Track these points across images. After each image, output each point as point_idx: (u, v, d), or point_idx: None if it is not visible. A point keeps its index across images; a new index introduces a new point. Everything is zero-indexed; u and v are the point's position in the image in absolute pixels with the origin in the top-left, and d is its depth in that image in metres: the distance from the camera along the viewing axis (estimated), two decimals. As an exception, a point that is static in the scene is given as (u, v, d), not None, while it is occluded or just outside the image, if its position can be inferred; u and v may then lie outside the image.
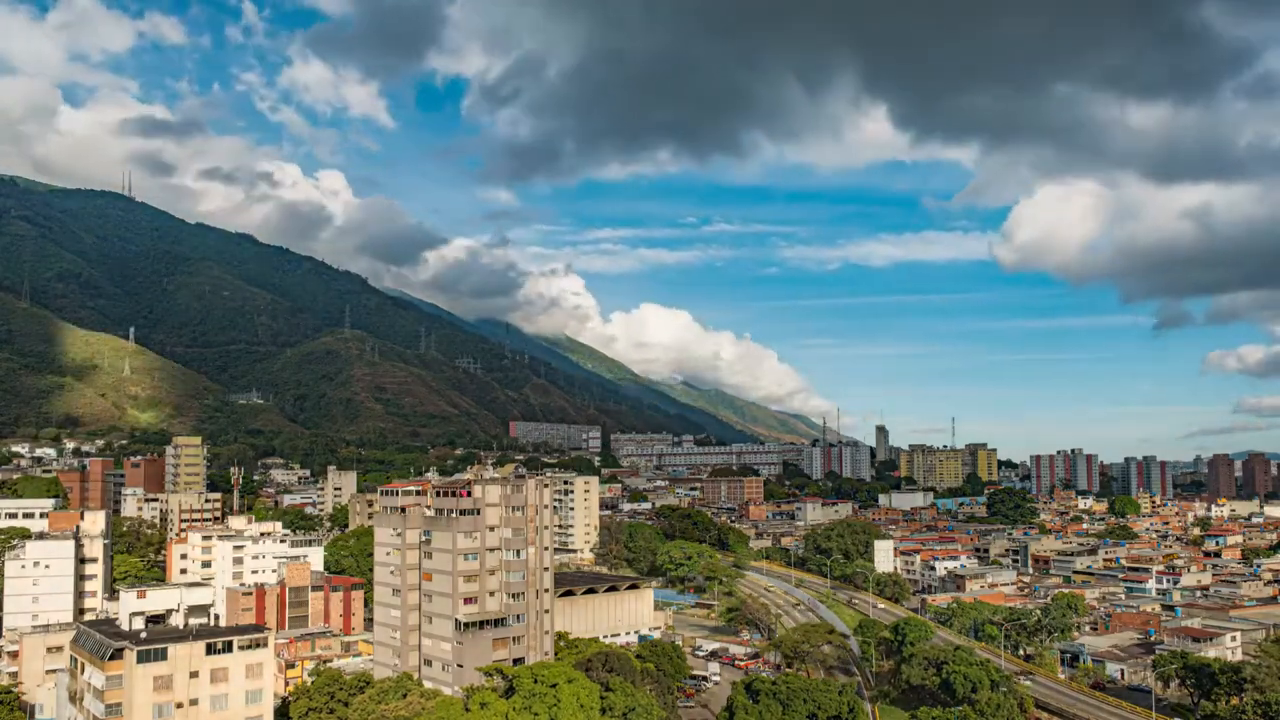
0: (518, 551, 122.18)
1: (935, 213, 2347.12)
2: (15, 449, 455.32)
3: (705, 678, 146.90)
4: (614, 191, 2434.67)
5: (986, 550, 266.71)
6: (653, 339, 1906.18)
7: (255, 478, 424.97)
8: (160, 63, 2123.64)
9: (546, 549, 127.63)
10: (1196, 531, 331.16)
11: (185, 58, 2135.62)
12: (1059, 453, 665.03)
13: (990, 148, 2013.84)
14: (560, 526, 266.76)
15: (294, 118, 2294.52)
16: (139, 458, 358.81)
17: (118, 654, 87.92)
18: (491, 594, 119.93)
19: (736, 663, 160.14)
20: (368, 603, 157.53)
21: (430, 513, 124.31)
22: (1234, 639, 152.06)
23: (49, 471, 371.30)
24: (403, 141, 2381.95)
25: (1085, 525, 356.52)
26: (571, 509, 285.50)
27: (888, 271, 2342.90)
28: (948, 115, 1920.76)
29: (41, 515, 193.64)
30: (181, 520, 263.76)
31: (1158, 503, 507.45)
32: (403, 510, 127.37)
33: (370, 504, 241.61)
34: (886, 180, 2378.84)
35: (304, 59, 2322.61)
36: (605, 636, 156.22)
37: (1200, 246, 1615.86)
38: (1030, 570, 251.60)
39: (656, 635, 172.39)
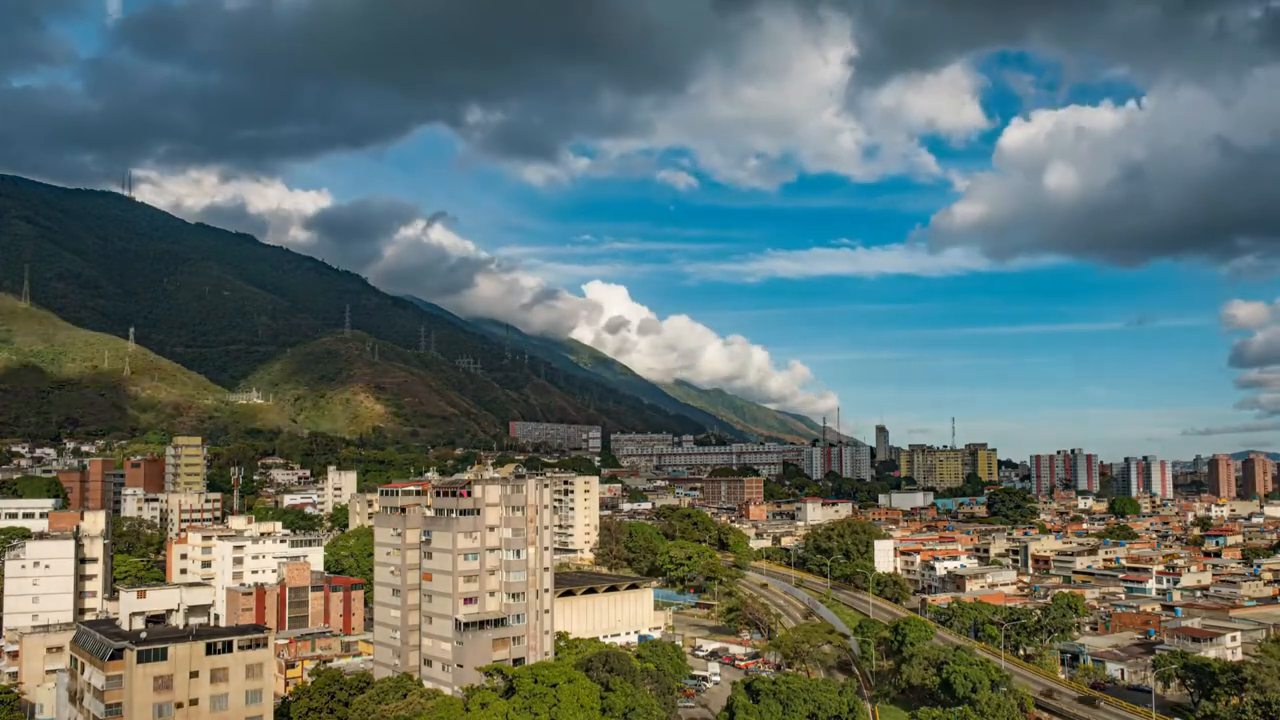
0: (518, 551, 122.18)
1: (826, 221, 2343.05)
2: (15, 449, 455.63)
3: (705, 678, 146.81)
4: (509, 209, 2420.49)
5: (986, 550, 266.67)
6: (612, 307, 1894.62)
7: (255, 478, 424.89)
8: None
9: (546, 549, 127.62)
10: (1196, 531, 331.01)
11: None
12: (1059, 453, 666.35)
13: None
14: (560, 526, 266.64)
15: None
16: (139, 458, 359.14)
17: (118, 654, 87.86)
18: (491, 594, 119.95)
19: (736, 663, 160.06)
20: (368, 603, 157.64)
21: (430, 513, 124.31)
22: (1234, 639, 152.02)
23: (49, 471, 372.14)
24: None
25: (1085, 525, 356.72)
26: (571, 509, 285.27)
27: (813, 282, 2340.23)
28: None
29: (41, 515, 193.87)
30: (181, 520, 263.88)
31: (1158, 503, 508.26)
32: (403, 510, 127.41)
33: (370, 504, 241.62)
34: (788, 198, 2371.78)
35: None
36: (605, 636, 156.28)
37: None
38: (1030, 570, 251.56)
39: (656, 635, 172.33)
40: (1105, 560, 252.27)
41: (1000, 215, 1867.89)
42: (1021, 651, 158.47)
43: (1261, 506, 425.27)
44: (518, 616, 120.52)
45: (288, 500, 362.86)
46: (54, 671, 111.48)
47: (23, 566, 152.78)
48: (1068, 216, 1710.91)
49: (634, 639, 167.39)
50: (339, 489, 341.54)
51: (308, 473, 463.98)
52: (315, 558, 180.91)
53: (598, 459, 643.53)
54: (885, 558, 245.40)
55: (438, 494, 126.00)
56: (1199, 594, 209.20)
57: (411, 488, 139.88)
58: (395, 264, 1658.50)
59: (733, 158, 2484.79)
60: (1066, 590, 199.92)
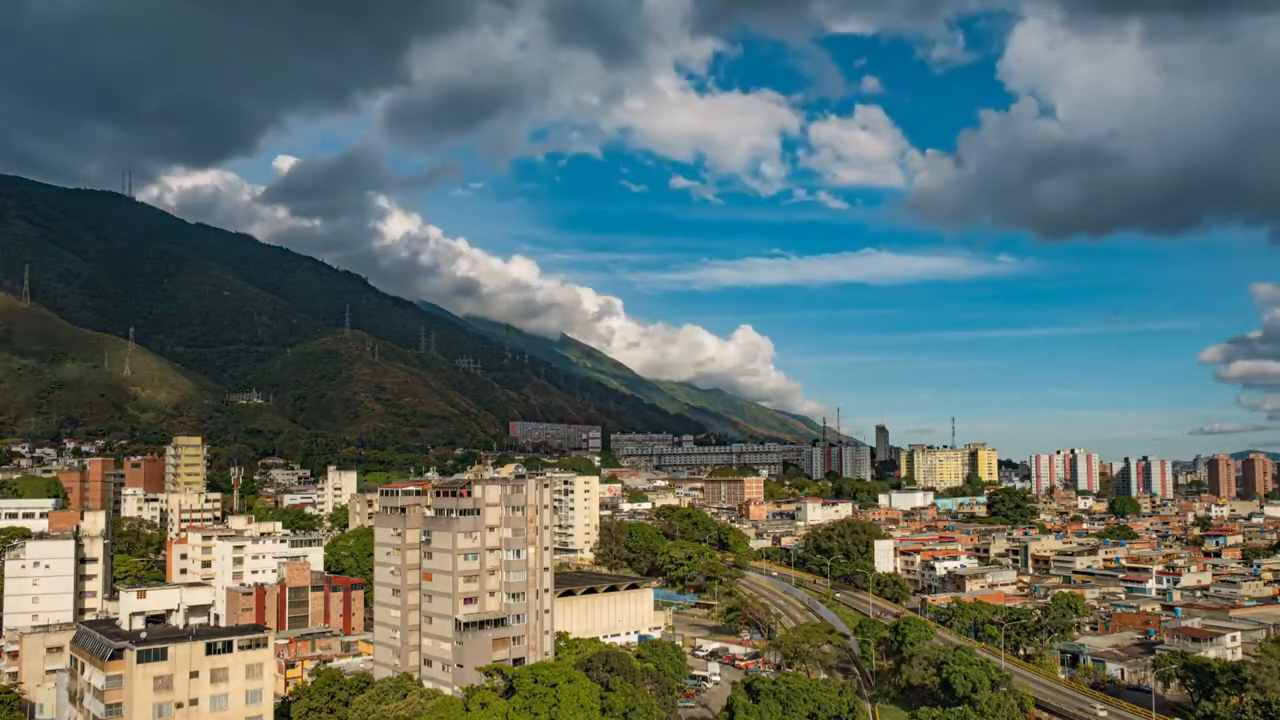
0: (518, 551, 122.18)
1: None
2: (15, 449, 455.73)
3: (705, 678, 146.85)
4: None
5: (986, 550, 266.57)
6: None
7: (255, 478, 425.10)
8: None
9: (546, 549, 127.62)
10: (1196, 531, 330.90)
11: None
12: (1059, 453, 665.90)
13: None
14: (560, 526, 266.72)
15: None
16: (139, 458, 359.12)
17: (118, 654, 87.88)
18: (491, 594, 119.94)
19: (736, 663, 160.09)
20: (368, 603, 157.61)
21: (430, 513, 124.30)
22: (1234, 639, 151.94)
23: (49, 471, 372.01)
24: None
25: (1085, 525, 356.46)
26: (571, 509, 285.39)
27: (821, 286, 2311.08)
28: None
29: (41, 515, 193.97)
30: (181, 520, 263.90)
31: (1158, 503, 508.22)
32: (403, 510, 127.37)
33: (370, 504, 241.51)
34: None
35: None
36: (605, 636, 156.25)
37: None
38: (1030, 570, 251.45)
39: (656, 635, 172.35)
40: (1105, 560, 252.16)
41: (961, 205, 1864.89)
42: (1021, 651, 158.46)
43: (1261, 506, 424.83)
44: (518, 616, 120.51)
45: (288, 500, 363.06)
46: (54, 671, 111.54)
47: (23, 566, 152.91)
48: (1028, 198, 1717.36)
49: (634, 639, 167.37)
50: (339, 489, 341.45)
51: (308, 473, 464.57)
52: (315, 558, 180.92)
53: (598, 459, 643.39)
54: (885, 558, 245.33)
55: (438, 494, 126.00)
56: (1199, 594, 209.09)
57: (411, 488, 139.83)
58: (339, 239, 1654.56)
59: (668, 163, 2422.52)
60: (1066, 590, 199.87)
